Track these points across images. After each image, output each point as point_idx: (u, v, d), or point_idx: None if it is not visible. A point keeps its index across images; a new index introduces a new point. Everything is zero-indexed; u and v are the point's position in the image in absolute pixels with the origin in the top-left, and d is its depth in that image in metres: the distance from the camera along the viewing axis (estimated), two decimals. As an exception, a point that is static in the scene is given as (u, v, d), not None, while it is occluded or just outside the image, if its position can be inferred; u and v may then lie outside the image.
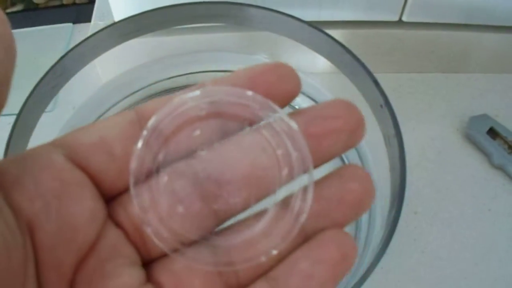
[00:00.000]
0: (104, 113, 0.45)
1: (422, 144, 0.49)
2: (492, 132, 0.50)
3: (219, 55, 0.47)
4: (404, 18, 0.50)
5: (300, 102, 0.46)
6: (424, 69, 0.53)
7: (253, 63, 0.23)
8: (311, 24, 0.38)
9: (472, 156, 0.49)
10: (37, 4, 0.63)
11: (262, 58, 0.47)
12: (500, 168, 0.49)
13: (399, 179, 0.33)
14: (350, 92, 0.39)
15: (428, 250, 0.44)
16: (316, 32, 0.38)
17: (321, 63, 0.44)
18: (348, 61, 0.37)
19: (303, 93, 0.46)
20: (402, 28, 0.50)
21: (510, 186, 0.48)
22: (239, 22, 0.39)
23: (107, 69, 0.48)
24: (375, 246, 0.33)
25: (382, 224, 0.36)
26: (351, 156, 0.44)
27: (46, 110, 0.36)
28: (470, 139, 0.50)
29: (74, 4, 0.62)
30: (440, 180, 0.48)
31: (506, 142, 0.49)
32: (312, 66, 0.49)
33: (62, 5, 0.62)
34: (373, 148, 0.41)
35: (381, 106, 0.35)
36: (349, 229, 0.42)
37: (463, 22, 0.50)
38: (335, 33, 0.49)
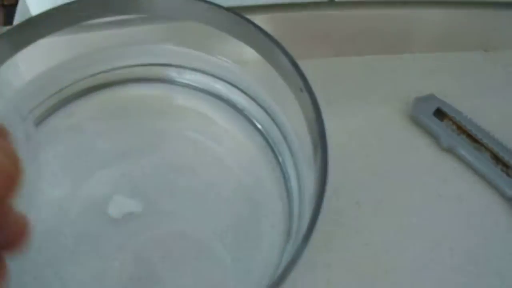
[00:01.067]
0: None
1: (363, 130, 0.46)
2: (440, 113, 0.47)
3: (139, 48, 0.44)
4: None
5: (228, 92, 0.43)
6: (364, 52, 0.50)
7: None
8: (220, 6, 0.35)
9: (419, 139, 0.46)
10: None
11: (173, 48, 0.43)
12: (450, 150, 0.45)
13: (321, 168, 0.29)
14: (275, 80, 0.36)
15: (373, 242, 0.41)
16: (228, 15, 0.35)
17: (249, 51, 0.41)
18: (265, 43, 0.34)
19: (230, 83, 0.42)
20: (334, 9, 0.47)
21: (460, 169, 0.45)
22: (144, 10, 0.36)
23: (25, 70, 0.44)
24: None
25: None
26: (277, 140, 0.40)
27: None
28: (416, 121, 0.47)
29: (2, 5, 0.58)
30: (385, 167, 0.44)
31: (454, 122, 0.46)
32: (239, 54, 0.45)
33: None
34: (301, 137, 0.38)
35: (301, 90, 0.32)
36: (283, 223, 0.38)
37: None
38: (264, 17, 0.46)
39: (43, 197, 0.40)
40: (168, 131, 0.43)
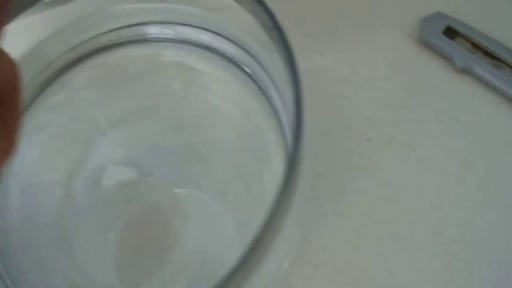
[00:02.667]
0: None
1: (368, 60, 0.41)
2: (450, 32, 0.42)
3: (114, 11, 0.40)
4: None
5: (206, 39, 0.38)
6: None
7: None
8: None
9: (431, 63, 0.42)
10: None
11: None
12: (465, 71, 0.41)
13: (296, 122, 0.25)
14: (251, 24, 0.32)
15: (389, 182, 0.37)
16: None
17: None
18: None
19: (214, 32, 0.38)
20: None
21: (480, 90, 0.40)
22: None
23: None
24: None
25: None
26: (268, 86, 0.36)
27: None
28: (425, 44, 0.42)
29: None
30: (395, 98, 0.40)
31: (467, 40, 0.41)
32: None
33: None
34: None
35: (270, 27, 0.27)
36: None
37: None
38: None
39: (39, 178, 0.38)
40: (159, 91, 0.40)
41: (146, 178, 0.37)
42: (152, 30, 0.41)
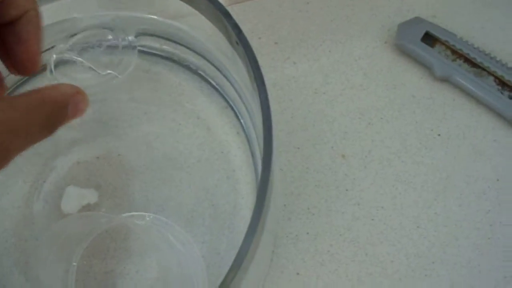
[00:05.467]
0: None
1: (343, 68, 0.39)
2: (429, 38, 0.40)
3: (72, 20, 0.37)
4: None
5: (169, 49, 0.36)
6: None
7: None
8: None
9: (409, 71, 0.39)
10: None
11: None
12: (445, 80, 0.39)
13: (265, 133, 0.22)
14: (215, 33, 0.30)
15: (366, 201, 0.35)
16: None
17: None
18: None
19: (171, 40, 0.36)
20: None
21: (461, 99, 0.38)
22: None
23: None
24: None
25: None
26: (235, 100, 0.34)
27: None
28: (402, 50, 0.40)
29: None
30: (371, 109, 0.38)
31: (447, 47, 0.39)
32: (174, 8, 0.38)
33: None
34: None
35: (237, 43, 0.25)
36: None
37: None
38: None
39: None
40: (121, 105, 0.37)
41: (107, 200, 0.34)
42: (112, 40, 0.38)
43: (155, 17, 0.36)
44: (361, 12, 0.42)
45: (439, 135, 0.37)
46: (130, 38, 0.37)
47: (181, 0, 0.30)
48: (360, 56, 0.40)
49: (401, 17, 0.41)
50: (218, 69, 0.34)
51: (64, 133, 0.38)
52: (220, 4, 0.26)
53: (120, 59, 0.36)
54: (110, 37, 0.37)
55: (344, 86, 0.39)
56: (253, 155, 0.33)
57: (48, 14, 0.41)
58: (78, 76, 0.36)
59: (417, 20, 0.41)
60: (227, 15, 0.25)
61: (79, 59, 0.37)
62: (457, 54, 0.39)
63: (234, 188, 0.34)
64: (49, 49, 0.38)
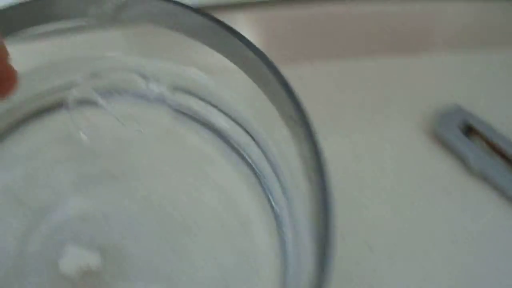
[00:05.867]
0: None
1: (376, 152, 0.37)
2: (467, 129, 0.37)
3: (95, 59, 0.35)
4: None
5: (205, 112, 0.34)
6: (376, 52, 0.41)
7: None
8: (186, 6, 0.26)
9: (444, 161, 0.37)
10: None
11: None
12: (480, 175, 0.36)
13: (323, 228, 0.20)
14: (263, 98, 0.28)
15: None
16: (196, 17, 0.25)
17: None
18: (244, 54, 0.24)
19: (207, 102, 0.34)
20: (343, 3, 0.37)
21: (495, 198, 0.37)
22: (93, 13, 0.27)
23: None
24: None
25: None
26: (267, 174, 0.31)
27: None
28: (439, 139, 0.38)
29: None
30: (403, 198, 0.35)
31: (485, 140, 0.37)
32: (214, 63, 0.36)
33: None
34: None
35: (292, 118, 0.23)
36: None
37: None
38: (251, 16, 0.37)
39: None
40: (135, 160, 0.34)
41: (111, 265, 0.31)
42: (135, 86, 0.36)
43: (193, 69, 0.34)
44: (401, 95, 0.40)
45: (468, 231, 0.35)
46: (163, 89, 0.34)
47: (228, 58, 0.27)
48: (394, 140, 0.38)
49: (440, 102, 0.39)
50: (254, 139, 0.32)
51: (68, 182, 0.35)
52: (278, 72, 0.23)
53: (148, 113, 0.33)
54: (141, 84, 0.34)
55: (375, 169, 0.37)
56: (281, 237, 0.31)
57: (72, 47, 0.39)
58: (99, 123, 0.33)
59: (456, 109, 0.39)
60: (285, 85, 0.23)
61: (103, 103, 0.34)
62: (495, 149, 0.37)
63: (255, 271, 0.31)
64: (68, 84, 0.35)
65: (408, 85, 0.41)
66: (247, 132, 0.33)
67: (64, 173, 0.36)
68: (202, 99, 0.35)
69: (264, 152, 0.31)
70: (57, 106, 0.37)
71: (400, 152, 0.38)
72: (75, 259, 0.32)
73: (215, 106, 0.35)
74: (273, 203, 0.32)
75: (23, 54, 0.36)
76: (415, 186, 0.36)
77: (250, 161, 0.33)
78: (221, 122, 0.35)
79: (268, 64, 0.23)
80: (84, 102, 0.34)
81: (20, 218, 0.33)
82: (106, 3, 0.30)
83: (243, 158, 0.33)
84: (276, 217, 0.31)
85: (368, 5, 0.39)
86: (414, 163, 0.37)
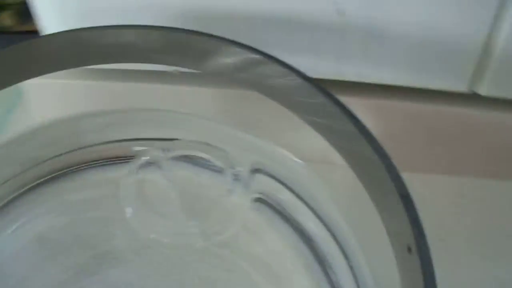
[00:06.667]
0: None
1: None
2: None
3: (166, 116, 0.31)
4: (480, 91, 0.31)
5: (289, 205, 0.29)
6: (509, 173, 0.34)
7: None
8: (302, 73, 0.21)
9: None
10: (6, 28, 0.51)
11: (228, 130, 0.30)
12: None
13: None
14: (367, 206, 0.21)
15: None
16: (314, 92, 0.21)
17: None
18: (359, 146, 0.19)
19: (295, 193, 0.29)
20: (474, 106, 0.32)
21: None
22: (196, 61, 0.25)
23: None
24: None
25: None
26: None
27: None
28: None
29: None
30: None
31: None
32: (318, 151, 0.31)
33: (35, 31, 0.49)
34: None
35: (409, 249, 0.17)
36: None
37: None
38: (364, 103, 0.32)
39: None
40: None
41: None
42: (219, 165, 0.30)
43: (283, 151, 0.29)
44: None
45: None
46: (243, 171, 0.29)
47: (337, 149, 0.22)
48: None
49: None
50: (344, 254, 0.26)
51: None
52: (403, 184, 0.17)
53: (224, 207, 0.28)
54: (217, 162, 0.30)
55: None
56: None
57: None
58: (156, 208, 0.29)
59: None
60: (410, 206, 0.17)
61: (167, 182, 0.29)
62: None
63: None
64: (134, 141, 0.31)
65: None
66: (337, 242, 0.27)
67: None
68: (288, 188, 0.29)
69: (354, 275, 0.25)
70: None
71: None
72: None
73: (302, 200, 0.29)
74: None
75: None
76: None
77: (334, 279, 0.26)
78: (305, 220, 0.29)
79: (390, 171, 0.18)
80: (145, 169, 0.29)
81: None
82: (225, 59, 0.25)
83: (326, 274, 0.27)
84: None
85: (504, 108, 0.32)
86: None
